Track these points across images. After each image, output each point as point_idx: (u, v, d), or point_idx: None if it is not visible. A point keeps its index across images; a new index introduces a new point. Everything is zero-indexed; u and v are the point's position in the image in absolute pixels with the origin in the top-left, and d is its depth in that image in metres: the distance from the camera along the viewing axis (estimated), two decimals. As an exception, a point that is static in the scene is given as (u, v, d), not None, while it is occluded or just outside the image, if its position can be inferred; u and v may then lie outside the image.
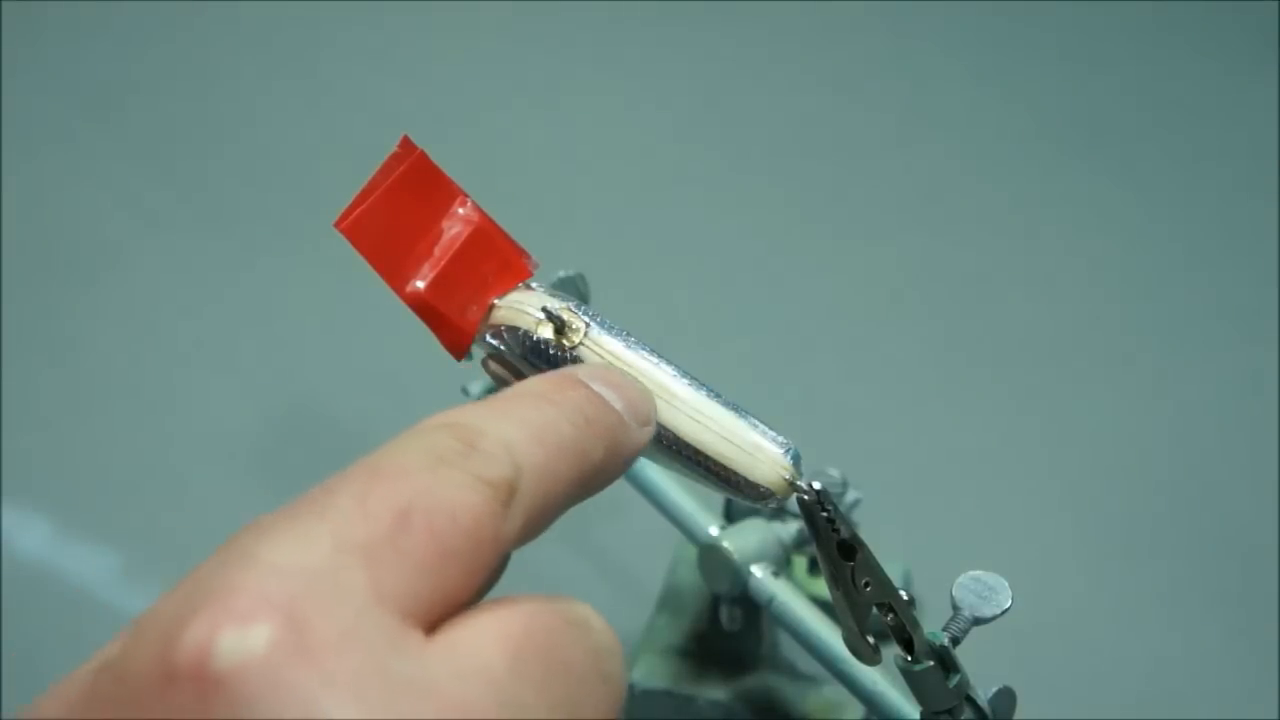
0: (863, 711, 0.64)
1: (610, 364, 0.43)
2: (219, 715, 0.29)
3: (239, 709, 0.29)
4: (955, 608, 0.49)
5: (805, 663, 0.65)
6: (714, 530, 0.62)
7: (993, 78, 1.11)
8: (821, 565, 0.43)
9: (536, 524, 0.35)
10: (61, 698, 0.31)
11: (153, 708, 0.29)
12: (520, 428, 0.35)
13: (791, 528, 0.62)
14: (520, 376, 0.44)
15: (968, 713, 0.50)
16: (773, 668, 0.68)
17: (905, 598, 0.44)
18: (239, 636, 0.29)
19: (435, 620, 0.31)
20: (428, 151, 0.44)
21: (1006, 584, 0.49)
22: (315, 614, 0.30)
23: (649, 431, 0.40)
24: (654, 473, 0.63)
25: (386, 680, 0.30)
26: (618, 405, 0.39)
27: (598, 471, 0.37)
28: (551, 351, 0.43)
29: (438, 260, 0.43)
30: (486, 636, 0.31)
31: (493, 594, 0.34)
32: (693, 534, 0.63)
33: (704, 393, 0.43)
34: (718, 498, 0.54)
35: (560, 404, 0.37)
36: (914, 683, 0.48)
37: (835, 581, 0.43)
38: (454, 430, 0.34)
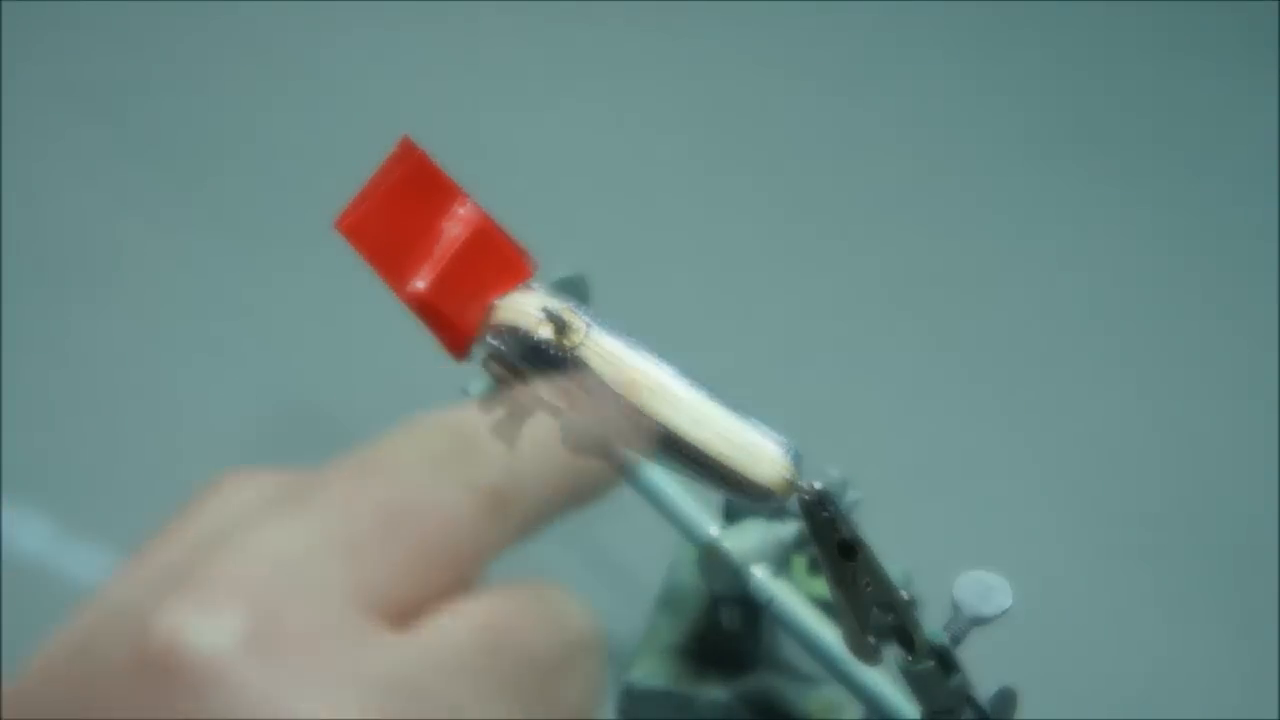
0: (863, 711, 0.64)
1: (610, 364, 0.43)
2: (185, 706, 0.29)
3: (205, 702, 0.29)
4: (955, 608, 0.49)
5: (805, 663, 0.65)
6: (714, 530, 0.62)
7: (992, 78, 1.11)
8: (822, 565, 0.43)
9: (526, 532, 0.35)
10: (37, 676, 0.31)
11: (125, 695, 0.29)
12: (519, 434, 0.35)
13: (791, 528, 0.62)
14: (520, 377, 0.44)
15: (968, 713, 0.50)
16: (773, 668, 0.68)
17: (905, 598, 0.44)
18: (209, 627, 0.29)
19: (410, 619, 0.31)
20: (428, 152, 0.44)
21: (1006, 584, 0.49)
22: (288, 606, 0.29)
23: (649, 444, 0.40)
24: (654, 473, 0.63)
25: (355, 677, 0.29)
26: None
27: (594, 483, 0.37)
28: (552, 352, 0.43)
29: (438, 260, 0.43)
30: (459, 629, 0.31)
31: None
32: (693, 534, 0.63)
33: (704, 393, 0.43)
34: (718, 498, 0.54)
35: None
36: (914, 683, 0.48)
37: (835, 581, 0.43)
38: (451, 433, 0.34)
